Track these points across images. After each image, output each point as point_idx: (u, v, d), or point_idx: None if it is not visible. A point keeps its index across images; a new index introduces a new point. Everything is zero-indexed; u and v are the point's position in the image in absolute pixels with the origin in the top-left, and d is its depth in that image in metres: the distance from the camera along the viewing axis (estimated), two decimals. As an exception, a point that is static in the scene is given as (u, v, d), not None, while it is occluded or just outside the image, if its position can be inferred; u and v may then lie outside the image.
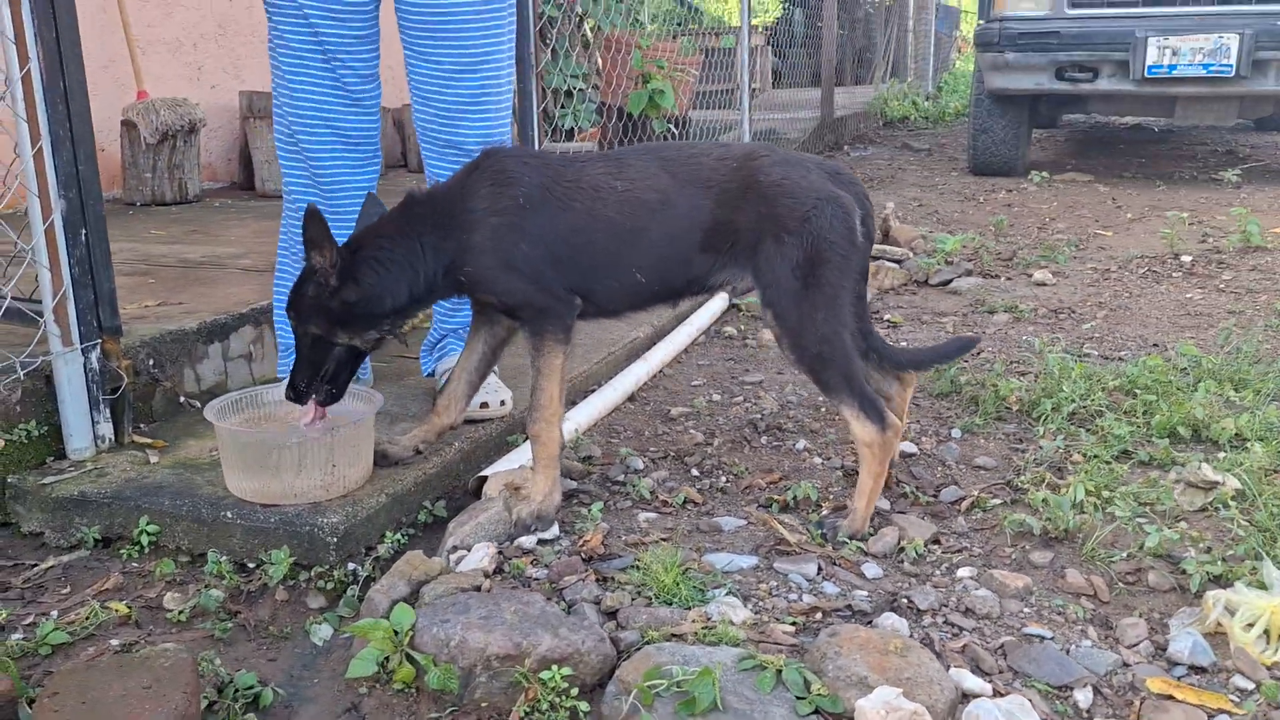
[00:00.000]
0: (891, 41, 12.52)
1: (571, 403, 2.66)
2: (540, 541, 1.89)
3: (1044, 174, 6.25)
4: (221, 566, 1.93)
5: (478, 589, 1.72)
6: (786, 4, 14.67)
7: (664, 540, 1.90)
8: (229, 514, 1.95)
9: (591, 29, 4.15)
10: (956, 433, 2.48)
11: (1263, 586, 1.72)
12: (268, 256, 2.93)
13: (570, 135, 4.33)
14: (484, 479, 2.14)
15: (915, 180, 6.62)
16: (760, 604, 1.68)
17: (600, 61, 4.75)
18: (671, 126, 4.60)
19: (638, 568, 1.73)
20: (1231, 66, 5.34)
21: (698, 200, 1.92)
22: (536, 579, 1.77)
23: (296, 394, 1.99)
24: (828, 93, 8.42)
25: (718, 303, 3.59)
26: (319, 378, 1.98)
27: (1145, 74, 5.49)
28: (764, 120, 7.95)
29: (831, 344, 1.88)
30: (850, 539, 1.91)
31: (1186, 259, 4.16)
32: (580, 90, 4.20)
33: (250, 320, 2.64)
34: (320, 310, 1.92)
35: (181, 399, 2.45)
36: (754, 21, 15.55)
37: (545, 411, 1.95)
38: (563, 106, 4.27)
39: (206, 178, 4.98)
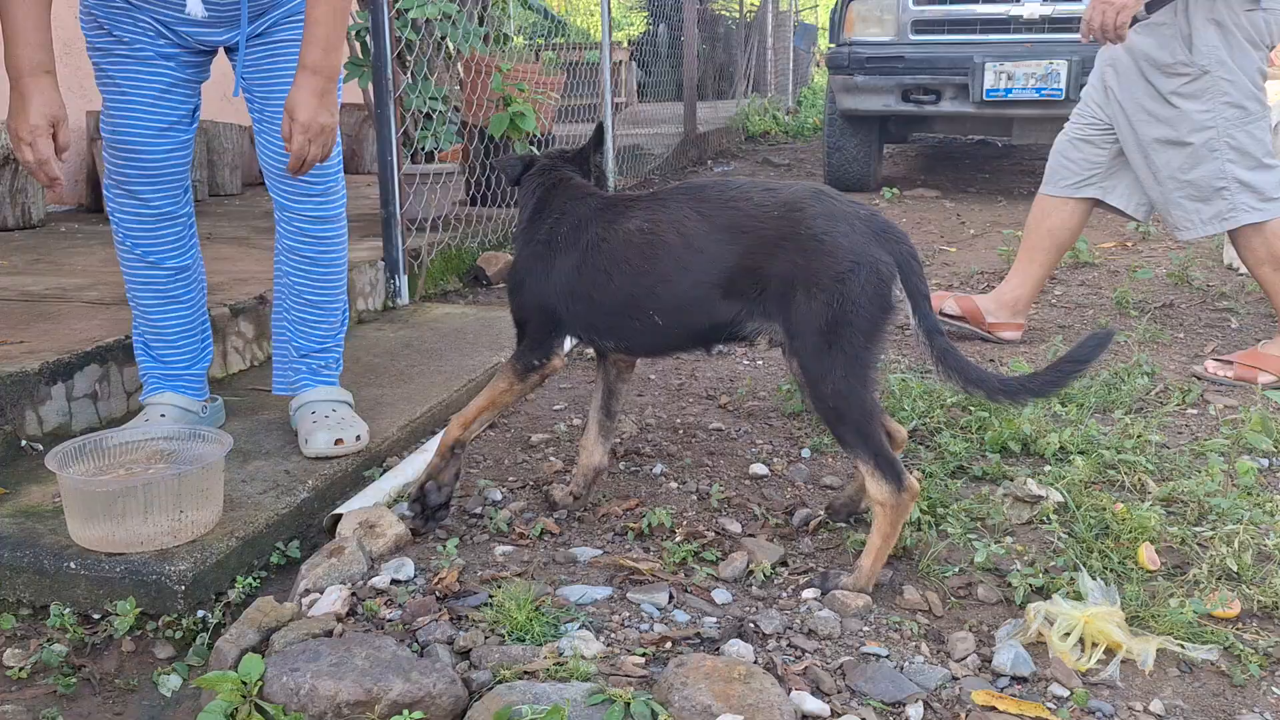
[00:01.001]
0: (752, 57, 12.84)
1: (432, 431, 2.66)
2: (394, 581, 1.89)
3: (895, 190, 6.53)
4: (65, 619, 1.86)
5: (329, 634, 1.71)
6: (651, 19, 14.91)
7: (520, 574, 1.92)
8: (72, 564, 1.89)
9: (446, 55, 4.13)
10: (806, 452, 2.58)
11: (1079, 597, 1.86)
12: (116, 288, 2.83)
13: (431, 157, 4.30)
14: (339, 517, 2.12)
15: (775, 196, 6.81)
16: (613, 636, 1.72)
17: (463, 83, 4.74)
18: (532, 148, 4.61)
19: (491, 605, 1.75)
20: (1062, 90, 5.70)
21: (725, 246, 1.91)
22: (390, 620, 1.76)
23: None
24: (690, 108, 8.58)
25: (580, 325, 3.62)
26: None
27: (984, 97, 5.80)
28: (628, 136, 8.05)
29: (848, 400, 1.86)
30: (855, 589, 1.88)
31: (1022, 275, 4.40)
32: (440, 112, 4.17)
33: (96, 358, 2.54)
34: None
35: (23, 443, 2.34)
36: (619, 35, 15.72)
37: (461, 415, 2.15)
38: (423, 128, 4.24)
39: (52, 200, 4.74)
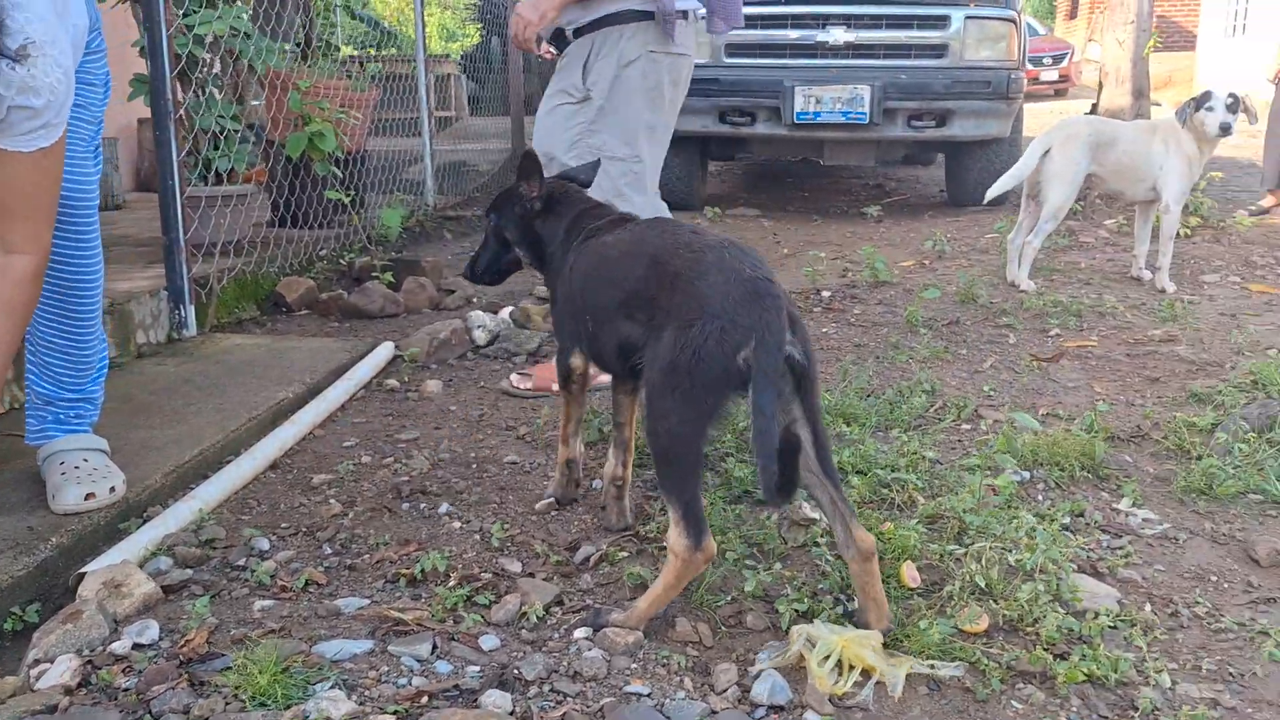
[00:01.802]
0: (585, 73, 12.87)
1: (203, 475, 2.53)
2: (136, 646, 1.77)
3: (716, 209, 6.65)
4: None
5: (54, 709, 1.59)
6: (485, 30, 14.78)
7: (277, 631, 1.84)
8: None
9: (230, 72, 3.96)
10: (598, 483, 2.57)
11: (839, 622, 1.91)
12: None
13: (226, 178, 4.11)
14: (84, 575, 1.98)
15: (599, 215, 6.84)
16: (366, 694, 1.66)
17: (265, 100, 4.56)
18: (335, 169, 4.48)
19: (233, 669, 1.66)
20: (866, 114, 5.94)
21: (637, 269, 2.00)
22: (126, 689, 1.65)
23: (474, 275, 2.53)
24: (517, 124, 8.54)
25: (382, 352, 3.53)
26: (489, 269, 2.50)
27: (795, 120, 5.99)
28: (453, 152, 7.94)
29: (677, 447, 1.85)
30: (622, 626, 1.88)
31: (826, 294, 4.55)
32: (235, 131, 3.99)
33: None
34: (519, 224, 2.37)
35: None
36: (453, 47, 15.50)
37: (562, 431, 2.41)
38: (218, 148, 4.04)
39: None
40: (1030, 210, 4.59)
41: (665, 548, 2.11)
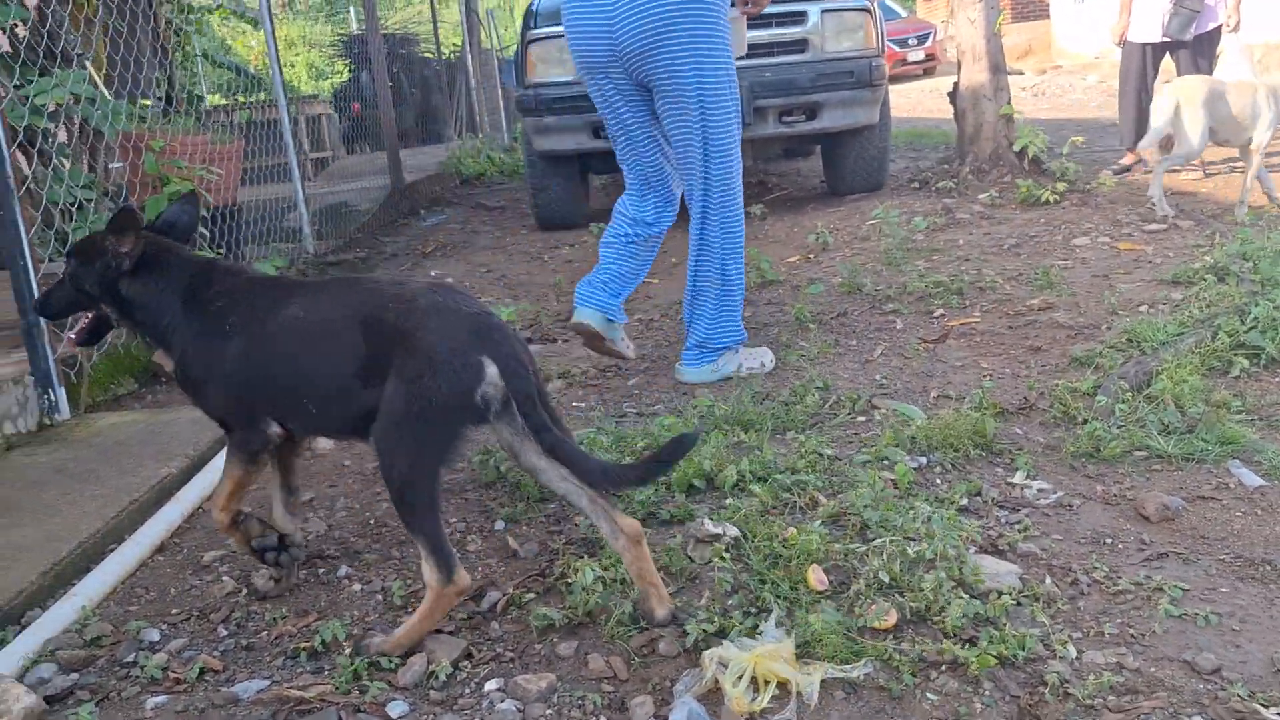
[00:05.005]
0: (460, 98, 12.80)
1: (85, 569, 2.40)
2: (17, 769, 1.67)
3: (603, 225, 6.62)
4: None
5: None
6: (354, 66, 14.54)
7: (171, 729, 1.75)
8: None
9: (78, 139, 3.79)
10: (500, 524, 2.52)
11: (752, 634, 1.90)
12: None
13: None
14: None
15: (488, 243, 6.77)
16: (269, 785, 1.59)
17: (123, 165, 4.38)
18: (202, 229, 4.33)
19: (123, 782, 1.57)
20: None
21: (354, 336, 1.97)
22: (9, 819, 1.55)
23: (49, 312, 2.35)
24: (394, 159, 8.40)
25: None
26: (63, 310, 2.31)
27: (669, 128, 6.00)
28: (330, 194, 7.78)
29: (414, 489, 1.92)
30: (380, 655, 1.92)
31: (716, 299, 4.56)
32: (89, 201, 3.83)
33: None
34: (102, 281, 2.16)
35: None
36: (324, 85, 15.23)
37: (215, 499, 2.22)
38: (74, 220, 3.87)
39: None
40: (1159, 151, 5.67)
41: (570, 584, 2.09)
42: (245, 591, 2.26)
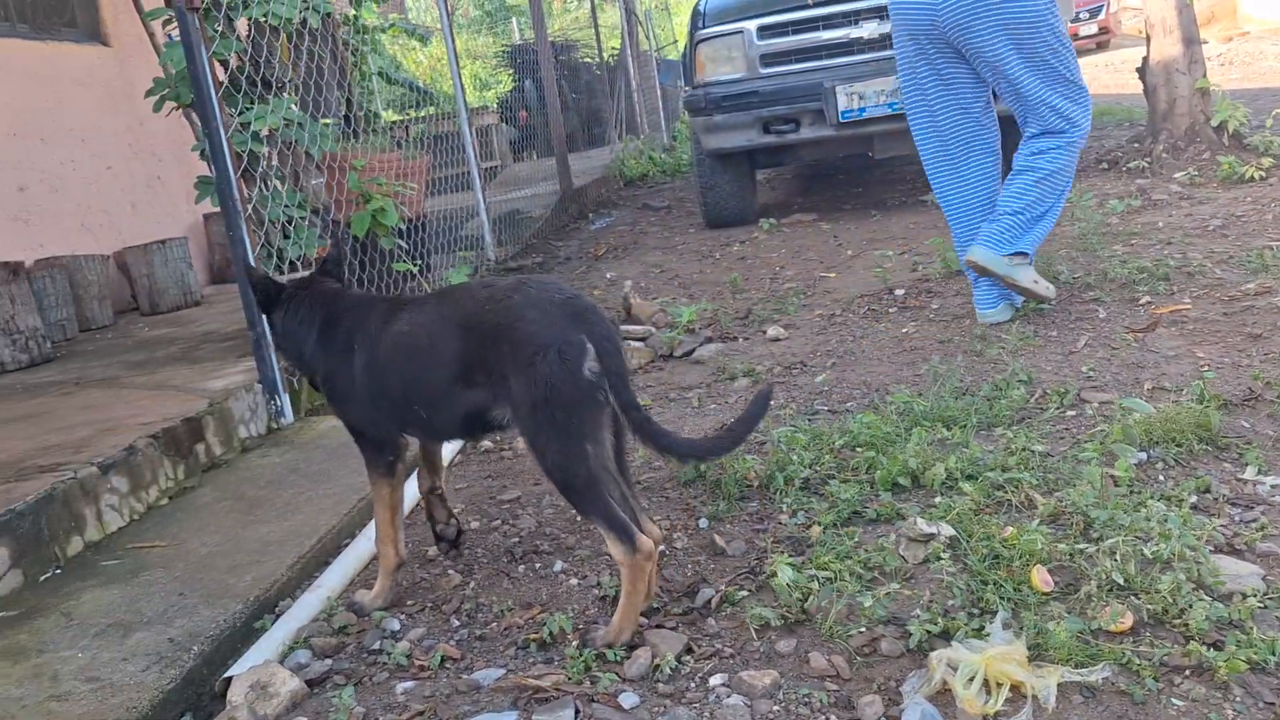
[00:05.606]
0: (620, 101, 12.98)
1: (325, 562, 2.58)
2: (291, 746, 1.81)
3: (772, 220, 6.63)
4: None
5: (226, 821, 1.63)
6: (517, 76, 14.96)
7: (423, 713, 1.86)
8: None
9: (289, 162, 4.06)
10: (704, 522, 2.56)
11: (979, 635, 1.87)
12: None
13: (299, 264, 4.21)
14: (230, 680, 2.03)
15: (656, 243, 6.87)
16: (520, 769, 1.67)
17: (326, 183, 4.67)
18: (400, 241, 4.57)
19: (389, 760, 1.69)
20: (912, 104, 5.85)
21: (454, 342, 2.09)
22: (290, 792, 1.69)
23: None
24: (563, 164, 8.62)
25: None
26: None
27: (840, 119, 5.94)
28: (504, 202, 8.04)
29: (573, 470, 2.00)
30: (608, 647, 1.99)
31: (900, 292, 4.49)
32: (303, 218, 4.10)
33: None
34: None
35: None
36: (489, 95, 15.76)
37: (379, 537, 2.34)
38: (288, 236, 4.15)
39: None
40: None
41: (770, 579, 2.10)
42: (473, 583, 2.38)
